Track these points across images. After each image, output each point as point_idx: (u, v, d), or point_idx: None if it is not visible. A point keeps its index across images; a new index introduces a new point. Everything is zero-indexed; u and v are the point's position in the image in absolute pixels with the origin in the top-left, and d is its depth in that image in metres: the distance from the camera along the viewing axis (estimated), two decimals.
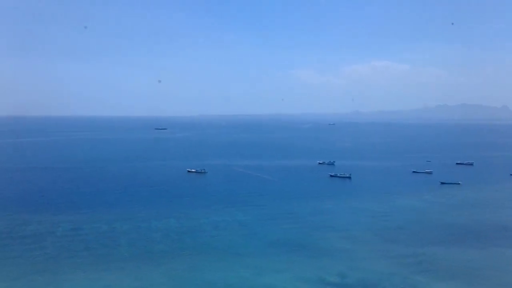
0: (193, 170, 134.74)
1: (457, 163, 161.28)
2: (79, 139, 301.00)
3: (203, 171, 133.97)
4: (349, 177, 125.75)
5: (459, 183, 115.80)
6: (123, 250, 60.26)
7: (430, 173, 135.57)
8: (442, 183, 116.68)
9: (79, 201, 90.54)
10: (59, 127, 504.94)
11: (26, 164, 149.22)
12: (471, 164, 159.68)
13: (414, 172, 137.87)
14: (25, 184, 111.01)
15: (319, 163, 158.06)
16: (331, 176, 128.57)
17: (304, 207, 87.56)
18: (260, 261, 56.06)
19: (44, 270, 52.19)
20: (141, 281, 49.49)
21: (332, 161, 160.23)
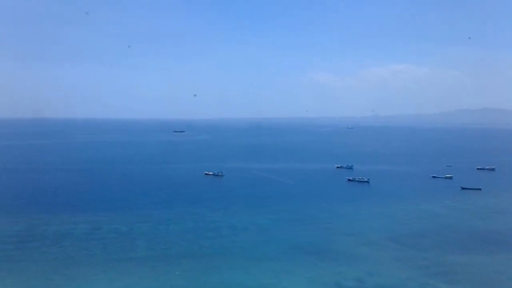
0: (210, 173, 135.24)
1: (478, 168, 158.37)
2: (98, 141, 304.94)
3: (220, 174, 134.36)
4: (368, 181, 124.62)
5: (480, 189, 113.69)
6: (141, 251, 60.76)
7: (450, 178, 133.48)
8: (463, 188, 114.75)
9: (98, 202, 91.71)
10: (78, 129, 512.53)
11: (48, 166, 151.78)
12: (493, 170, 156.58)
13: (433, 177, 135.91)
14: (47, 184, 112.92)
15: (337, 167, 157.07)
16: (349, 180, 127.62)
17: (322, 211, 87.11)
18: (277, 265, 55.90)
19: (63, 270, 52.93)
20: (158, 283, 49.85)
21: (350, 165, 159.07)
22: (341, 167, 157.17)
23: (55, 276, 51.07)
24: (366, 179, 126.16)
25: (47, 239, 65.11)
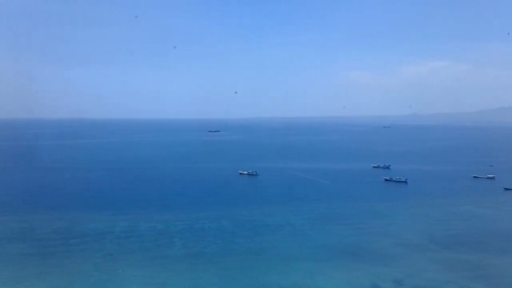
0: (245, 172, 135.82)
1: None
2: (137, 141, 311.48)
3: (254, 173, 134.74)
4: (405, 181, 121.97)
5: None
6: (177, 249, 61.64)
7: (492, 178, 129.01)
8: (506, 189, 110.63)
9: (136, 201, 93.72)
10: (117, 129, 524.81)
11: (88, 165, 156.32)
12: None
13: (475, 177, 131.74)
14: (87, 183, 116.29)
15: (374, 167, 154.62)
16: (386, 180, 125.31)
17: (358, 211, 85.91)
18: (312, 265, 55.49)
19: (102, 266, 54.40)
20: (194, 281, 50.41)
21: (387, 164, 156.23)
22: (377, 166, 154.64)
23: (95, 272, 52.49)
24: (403, 179, 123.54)
25: (88, 236, 67.04)
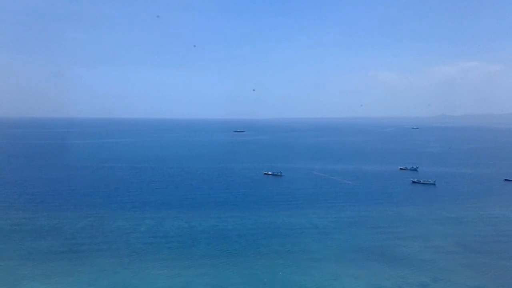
0: (270, 173, 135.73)
1: None
2: (164, 140, 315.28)
3: (279, 173, 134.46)
4: (434, 184, 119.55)
5: None
6: (201, 248, 62.05)
7: None
8: None
9: (163, 200, 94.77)
10: (145, 129, 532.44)
11: (118, 163, 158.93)
12: None
13: (506, 180, 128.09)
14: (115, 182, 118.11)
15: (401, 169, 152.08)
16: (413, 182, 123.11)
17: (384, 214, 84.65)
18: (336, 267, 54.99)
19: (128, 264, 55.24)
20: (217, 279, 50.64)
21: (415, 166, 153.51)
22: (405, 168, 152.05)
23: (120, 269, 53.36)
24: (432, 182, 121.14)
25: (114, 234, 68.18)
